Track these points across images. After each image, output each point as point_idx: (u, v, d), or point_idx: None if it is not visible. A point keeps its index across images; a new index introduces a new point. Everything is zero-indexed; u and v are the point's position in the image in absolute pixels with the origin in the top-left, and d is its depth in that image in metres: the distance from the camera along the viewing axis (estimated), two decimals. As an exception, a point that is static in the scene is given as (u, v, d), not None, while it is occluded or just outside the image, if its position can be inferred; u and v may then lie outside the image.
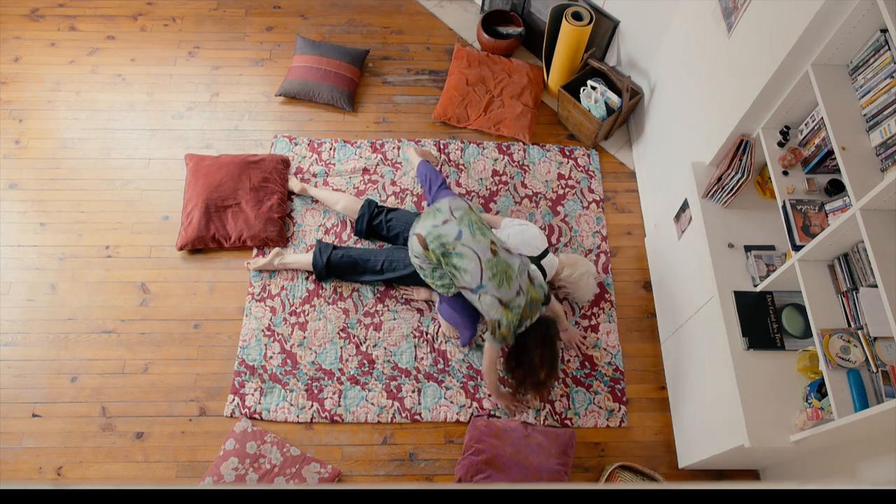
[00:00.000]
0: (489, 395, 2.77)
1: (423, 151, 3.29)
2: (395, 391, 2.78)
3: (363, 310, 2.96)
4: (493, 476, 2.53)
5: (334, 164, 3.36)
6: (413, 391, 2.78)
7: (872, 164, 1.81)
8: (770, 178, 2.32)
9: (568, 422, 2.76)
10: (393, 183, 3.31)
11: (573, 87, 3.40)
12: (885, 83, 1.76)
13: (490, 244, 2.43)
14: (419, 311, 2.96)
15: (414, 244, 2.51)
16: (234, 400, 2.73)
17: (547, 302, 2.48)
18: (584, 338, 2.92)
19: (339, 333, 2.90)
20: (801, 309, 2.25)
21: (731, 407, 2.17)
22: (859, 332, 1.91)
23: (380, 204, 3.11)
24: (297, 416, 2.71)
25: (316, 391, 2.76)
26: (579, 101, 3.35)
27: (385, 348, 2.87)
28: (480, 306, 2.43)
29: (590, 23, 3.23)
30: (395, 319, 2.94)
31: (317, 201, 3.23)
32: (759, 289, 2.28)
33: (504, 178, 3.35)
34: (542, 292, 2.47)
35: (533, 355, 2.40)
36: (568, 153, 3.46)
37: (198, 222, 3.03)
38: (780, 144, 2.25)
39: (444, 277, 2.55)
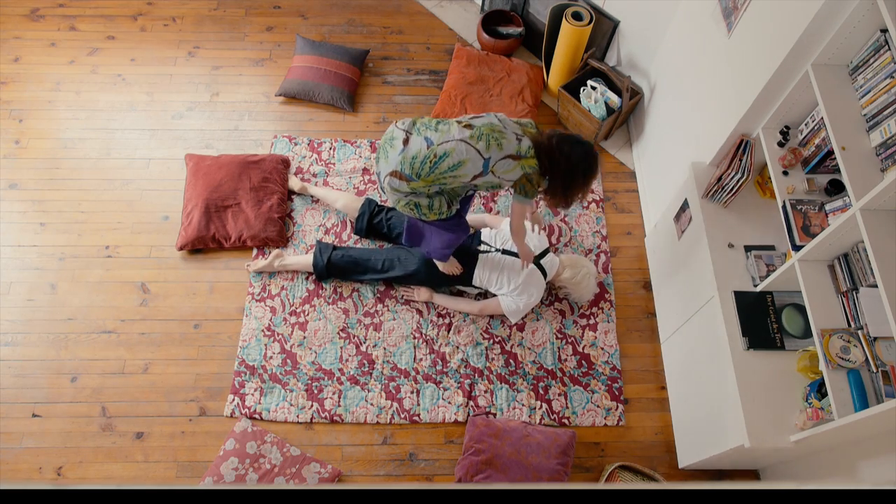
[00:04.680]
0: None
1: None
2: (393, 392, 2.78)
3: (363, 310, 2.96)
4: (492, 476, 2.53)
5: (334, 164, 3.36)
6: (412, 392, 2.78)
7: (872, 164, 1.81)
8: (770, 178, 2.32)
9: (566, 420, 2.76)
10: (393, 183, 3.31)
11: (573, 87, 3.40)
12: (885, 83, 1.76)
13: (457, 124, 2.20)
14: (419, 311, 2.96)
15: (396, 184, 2.23)
16: (234, 400, 2.73)
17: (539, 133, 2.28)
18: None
19: (339, 333, 2.90)
20: (801, 309, 2.25)
21: (731, 407, 2.17)
22: (859, 332, 1.91)
23: (380, 203, 3.11)
24: (297, 416, 2.71)
25: (316, 391, 2.76)
26: (579, 101, 3.35)
27: (385, 349, 2.87)
28: (500, 180, 2.23)
29: (590, 23, 3.23)
30: (394, 320, 2.94)
31: (317, 200, 3.23)
32: (759, 289, 2.28)
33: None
34: (531, 125, 2.28)
35: (576, 174, 2.23)
36: (568, 153, 3.46)
37: (198, 222, 3.03)
38: (780, 144, 2.25)
39: (439, 202, 2.33)
